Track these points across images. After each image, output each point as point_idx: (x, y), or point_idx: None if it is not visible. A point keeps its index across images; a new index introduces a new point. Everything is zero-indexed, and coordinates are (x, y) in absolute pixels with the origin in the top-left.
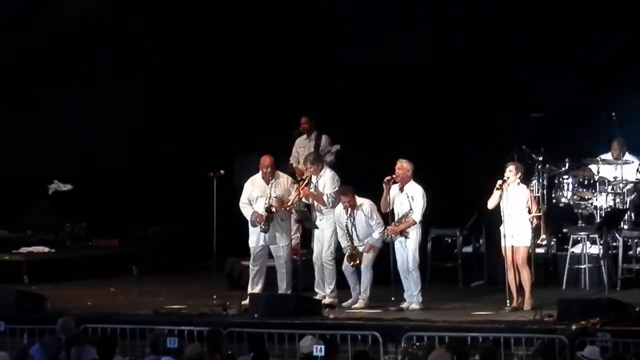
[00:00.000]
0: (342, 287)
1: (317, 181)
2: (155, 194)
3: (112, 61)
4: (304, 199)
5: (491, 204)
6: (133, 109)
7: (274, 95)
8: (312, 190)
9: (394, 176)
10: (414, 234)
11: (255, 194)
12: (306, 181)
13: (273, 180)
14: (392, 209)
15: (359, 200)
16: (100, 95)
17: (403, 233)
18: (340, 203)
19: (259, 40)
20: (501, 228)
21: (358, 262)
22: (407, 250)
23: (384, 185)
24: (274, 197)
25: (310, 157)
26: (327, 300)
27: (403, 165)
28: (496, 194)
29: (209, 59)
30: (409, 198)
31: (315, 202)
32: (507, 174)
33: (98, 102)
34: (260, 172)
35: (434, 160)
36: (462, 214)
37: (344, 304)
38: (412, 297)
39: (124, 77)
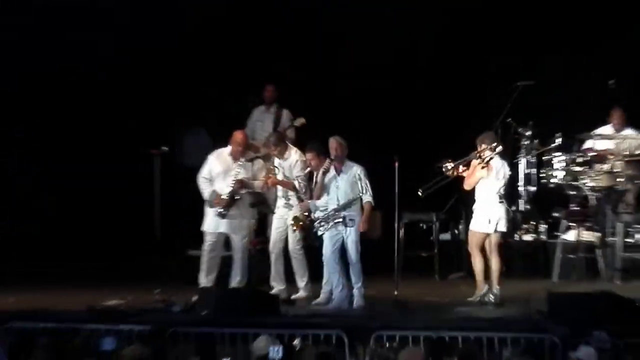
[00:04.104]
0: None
1: (281, 163)
2: (89, 174)
3: None
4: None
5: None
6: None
7: (225, 62)
8: (278, 175)
9: (332, 158)
10: (356, 221)
11: (218, 170)
12: (271, 168)
13: (242, 160)
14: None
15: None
16: None
17: (345, 221)
18: None
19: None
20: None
21: (298, 227)
22: (347, 240)
23: (321, 172)
24: (236, 180)
25: (272, 139)
26: (301, 295)
27: (342, 144)
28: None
29: (151, 21)
30: (355, 178)
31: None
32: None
33: None
34: (229, 147)
35: (406, 135)
36: (439, 196)
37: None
38: (355, 292)
39: None
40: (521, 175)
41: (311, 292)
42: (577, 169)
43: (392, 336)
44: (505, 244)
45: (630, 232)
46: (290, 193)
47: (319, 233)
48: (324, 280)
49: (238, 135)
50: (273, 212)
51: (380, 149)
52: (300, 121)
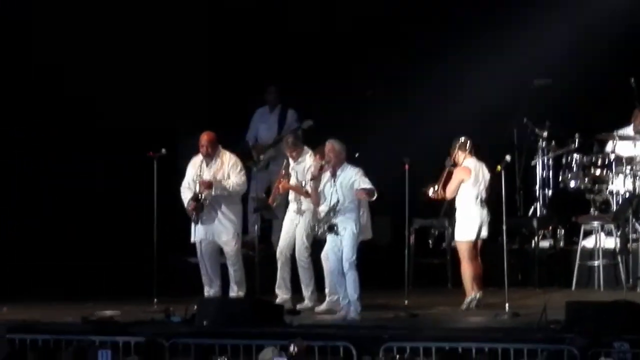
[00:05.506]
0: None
1: (294, 167)
2: (84, 177)
3: None
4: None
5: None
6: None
7: (224, 63)
8: (292, 179)
9: (323, 163)
10: (350, 228)
11: (191, 176)
12: (283, 172)
13: (212, 161)
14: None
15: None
16: None
17: (333, 229)
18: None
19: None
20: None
21: None
22: (342, 245)
23: (312, 179)
24: (201, 180)
25: (290, 140)
26: (306, 304)
27: (335, 147)
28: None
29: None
30: (349, 181)
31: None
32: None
33: None
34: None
35: (418, 137)
36: (451, 200)
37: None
38: (350, 305)
39: None
40: (538, 179)
41: (317, 302)
42: (598, 171)
43: (403, 348)
44: (522, 250)
45: None
46: (302, 198)
47: (318, 233)
48: (327, 290)
49: (202, 136)
50: (277, 218)
51: (390, 151)
52: (307, 124)
